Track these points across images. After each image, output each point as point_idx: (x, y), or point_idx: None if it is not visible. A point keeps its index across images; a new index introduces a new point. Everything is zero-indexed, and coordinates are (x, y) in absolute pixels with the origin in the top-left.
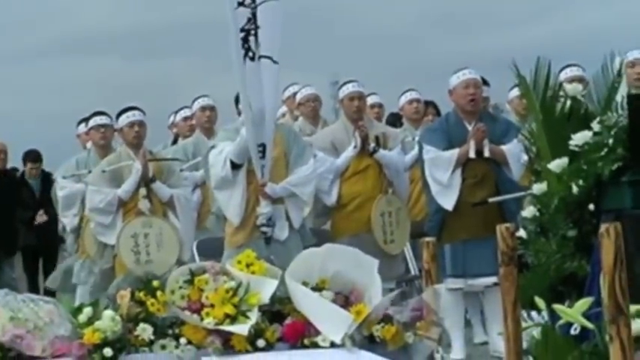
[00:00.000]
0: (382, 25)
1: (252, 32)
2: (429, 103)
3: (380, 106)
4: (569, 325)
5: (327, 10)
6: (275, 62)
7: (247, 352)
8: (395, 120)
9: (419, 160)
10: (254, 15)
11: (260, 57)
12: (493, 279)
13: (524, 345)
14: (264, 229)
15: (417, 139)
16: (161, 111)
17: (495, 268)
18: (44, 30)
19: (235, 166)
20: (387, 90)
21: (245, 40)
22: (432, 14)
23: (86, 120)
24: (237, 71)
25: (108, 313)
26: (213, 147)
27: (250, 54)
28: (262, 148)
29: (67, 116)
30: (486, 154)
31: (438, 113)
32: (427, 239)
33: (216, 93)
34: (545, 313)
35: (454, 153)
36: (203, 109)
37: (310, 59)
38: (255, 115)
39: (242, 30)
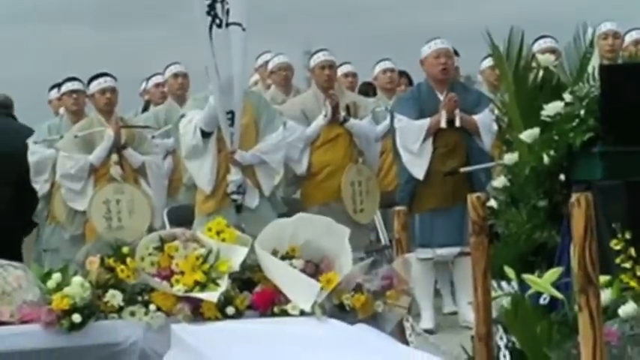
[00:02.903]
0: None
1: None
2: (402, 73)
3: (354, 75)
4: (539, 294)
5: None
6: (244, 29)
7: (217, 319)
8: (367, 89)
9: (390, 131)
10: None
11: (229, 24)
12: (458, 249)
13: (494, 314)
14: (234, 196)
15: (389, 108)
16: (133, 77)
17: (460, 238)
18: None
19: (205, 135)
20: (361, 59)
21: (212, 7)
22: None
23: (58, 85)
24: (204, 39)
25: (77, 279)
26: (183, 116)
27: (217, 21)
28: (231, 116)
29: (35, 82)
30: (458, 123)
31: (410, 83)
32: (398, 208)
33: (188, 61)
34: (514, 283)
35: (425, 122)
36: (175, 76)
37: (284, 28)
38: (224, 82)
39: None
